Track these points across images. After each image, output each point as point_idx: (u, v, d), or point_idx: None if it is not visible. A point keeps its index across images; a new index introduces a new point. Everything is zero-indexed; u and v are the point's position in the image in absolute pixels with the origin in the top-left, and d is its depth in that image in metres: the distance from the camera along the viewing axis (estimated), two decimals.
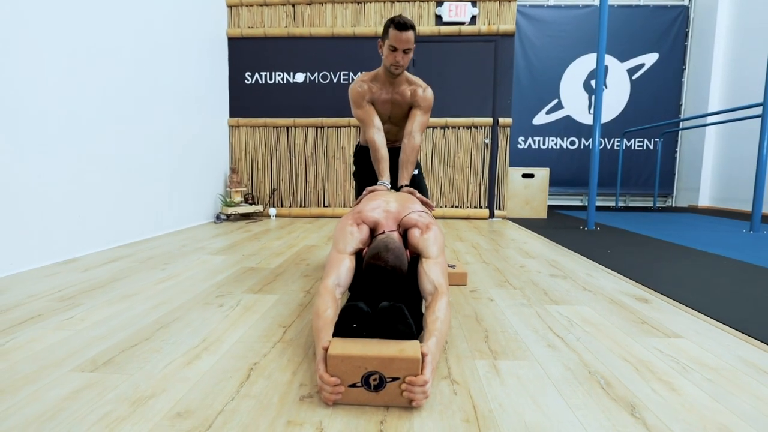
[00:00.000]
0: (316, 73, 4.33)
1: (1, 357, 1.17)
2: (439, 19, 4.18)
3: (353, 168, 2.25)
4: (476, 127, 4.30)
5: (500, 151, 4.31)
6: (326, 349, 0.93)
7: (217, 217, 4.04)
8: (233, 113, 4.43)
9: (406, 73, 1.93)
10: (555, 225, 4.00)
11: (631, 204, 6.49)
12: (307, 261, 2.39)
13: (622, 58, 6.11)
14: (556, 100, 6.19)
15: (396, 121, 2.01)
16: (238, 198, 4.25)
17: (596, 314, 1.54)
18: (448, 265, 1.99)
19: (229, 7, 4.30)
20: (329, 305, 1.10)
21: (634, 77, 6.15)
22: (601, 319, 1.49)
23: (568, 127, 6.20)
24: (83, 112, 2.48)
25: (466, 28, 4.14)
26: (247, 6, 4.28)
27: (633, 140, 6.26)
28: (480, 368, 1.11)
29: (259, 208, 4.29)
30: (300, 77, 4.35)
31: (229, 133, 4.46)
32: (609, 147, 6.25)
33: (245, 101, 4.41)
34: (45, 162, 2.22)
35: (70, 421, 0.87)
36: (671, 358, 1.18)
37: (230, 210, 4.04)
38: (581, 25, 5.96)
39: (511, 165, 5.99)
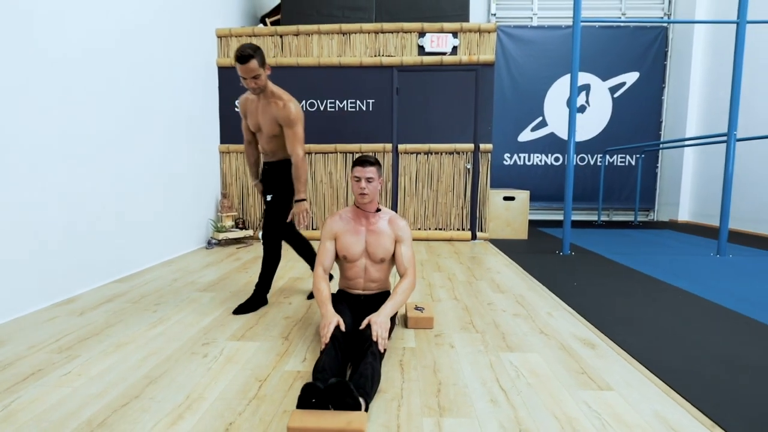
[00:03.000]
0: (303, 101, 4.49)
1: (7, 419, 1.33)
2: (421, 49, 4.35)
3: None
4: (458, 153, 4.47)
5: (481, 176, 4.48)
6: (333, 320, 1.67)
7: (209, 243, 4.20)
8: (224, 140, 4.59)
9: (272, 88, 2.12)
10: (533, 248, 4.17)
11: (615, 218, 6.67)
12: (289, 299, 2.55)
13: (604, 77, 6.30)
14: (540, 118, 6.37)
15: (266, 129, 2.18)
16: (229, 222, 4.41)
17: (543, 363, 1.70)
18: (417, 308, 2.16)
19: (219, 37, 4.45)
20: (323, 284, 1.85)
21: (615, 95, 6.33)
22: (546, 369, 1.66)
23: (551, 144, 6.38)
24: (75, 142, 2.63)
25: (448, 58, 4.30)
26: (236, 36, 4.44)
27: (615, 156, 6.44)
28: (426, 427, 1.28)
29: (250, 232, 4.45)
30: None
31: (220, 159, 4.62)
32: (592, 163, 6.43)
33: (235, 128, 4.56)
34: (37, 197, 2.37)
35: None
36: (596, 414, 1.35)
37: (221, 236, 4.20)
38: (564, 45, 6.14)
39: (496, 181, 6.18)
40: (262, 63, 2.00)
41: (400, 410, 1.37)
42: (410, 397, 1.45)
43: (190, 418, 1.34)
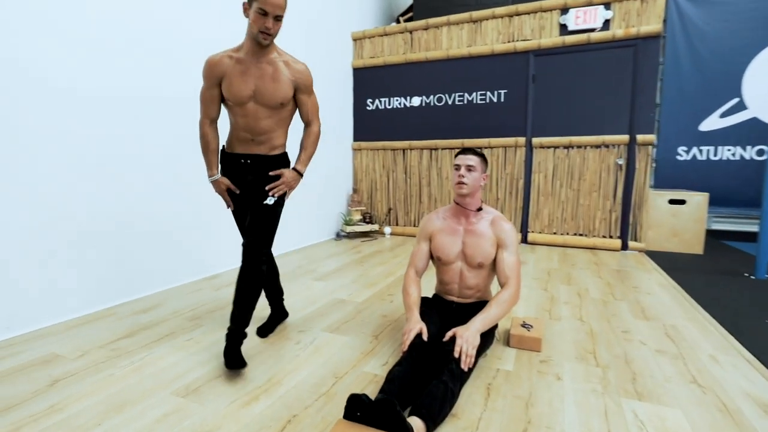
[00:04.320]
0: (432, 96, 4.40)
1: (136, 371, 1.60)
2: (563, 28, 3.79)
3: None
4: (607, 146, 3.76)
5: (639, 173, 3.68)
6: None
7: (337, 235, 4.48)
8: (356, 137, 4.83)
9: (276, 45, 1.69)
10: (708, 266, 3.24)
11: None
12: (392, 297, 2.50)
13: None
14: (736, 100, 4.92)
15: (262, 100, 1.65)
16: (357, 216, 4.63)
17: (687, 425, 1.25)
18: (524, 324, 1.86)
19: (354, 40, 4.69)
20: (413, 288, 1.72)
21: None
22: None
23: (753, 132, 4.87)
24: None
25: (597, 35, 3.65)
26: (369, 38, 4.61)
27: None
28: None
29: (375, 226, 4.59)
30: (416, 101, 4.48)
31: (353, 156, 4.88)
32: None
33: (366, 126, 4.76)
34: (201, 196, 2.84)
35: None
36: None
37: (349, 228, 4.43)
38: None
39: (664, 180, 5.04)
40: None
41: None
42: (487, 431, 1.23)
43: (263, 401, 1.39)
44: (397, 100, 4.57)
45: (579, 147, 3.87)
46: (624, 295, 2.51)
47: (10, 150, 1.86)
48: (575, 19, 3.69)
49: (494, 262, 1.72)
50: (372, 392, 1.43)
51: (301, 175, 1.79)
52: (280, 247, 3.69)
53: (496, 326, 1.74)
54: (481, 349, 1.59)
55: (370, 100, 4.70)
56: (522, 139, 4.05)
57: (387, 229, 4.67)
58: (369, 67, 4.65)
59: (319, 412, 1.33)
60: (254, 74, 1.62)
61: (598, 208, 3.86)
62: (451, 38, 4.25)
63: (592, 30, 3.68)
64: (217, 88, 1.67)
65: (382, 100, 4.64)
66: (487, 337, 1.64)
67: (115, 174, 2.30)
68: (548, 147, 3.98)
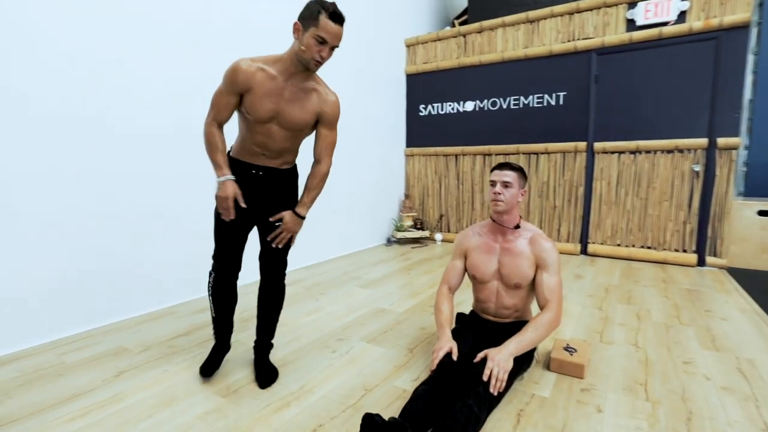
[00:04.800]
0: (486, 101, 4.28)
1: (187, 368, 1.75)
2: (631, 23, 3.49)
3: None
4: (681, 151, 3.40)
5: (719, 180, 3.29)
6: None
7: (388, 240, 4.52)
8: (409, 143, 4.84)
9: (317, 75, 1.60)
10: None
11: None
12: (433, 309, 2.47)
13: None
14: None
15: (284, 123, 1.54)
16: (408, 222, 4.64)
17: None
18: (568, 348, 1.75)
19: (408, 46, 4.70)
20: (445, 305, 1.72)
21: None
22: None
23: None
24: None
25: (670, 29, 3.32)
26: (422, 44, 4.60)
27: None
28: None
29: (426, 233, 4.57)
30: (469, 106, 4.39)
31: (405, 162, 4.90)
32: None
33: (419, 132, 4.75)
34: None
35: None
36: None
37: (399, 234, 4.46)
38: None
39: (756, 188, 4.45)
40: None
41: None
42: None
43: (294, 408, 1.45)
44: (450, 105, 4.51)
45: (647, 152, 3.54)
46: (693, 320, 2.26)
47: (117, 156, 2.13)
48: (645, 13, 3.39)
49: (534, 282, 1.65)
50: (398, 408, 1.43)
51: (302, 218, 1.64)
52: (329, 252, 3.81)
53: (535, 347, 1.66)
54: (517, 372, 1.54)
55: (423, 105, 4.69)
56: (582, 144, 3.80)
57: (438, 236, 4.63)
58: (422, 73, 4.64)
59: (344, 423, 1.36)
60: (284, 96, 1.51)
61: (670, 219, 3.51)
62: (507, 40, 4.11)
63: (665, 24, 3.36)
64: (236, 97, 1.51)
65: (435, 105, 4.61)
66: (523, 360, 1.57)
67: (170, 186, 2.53)
68: (612, 152, 3.69)
